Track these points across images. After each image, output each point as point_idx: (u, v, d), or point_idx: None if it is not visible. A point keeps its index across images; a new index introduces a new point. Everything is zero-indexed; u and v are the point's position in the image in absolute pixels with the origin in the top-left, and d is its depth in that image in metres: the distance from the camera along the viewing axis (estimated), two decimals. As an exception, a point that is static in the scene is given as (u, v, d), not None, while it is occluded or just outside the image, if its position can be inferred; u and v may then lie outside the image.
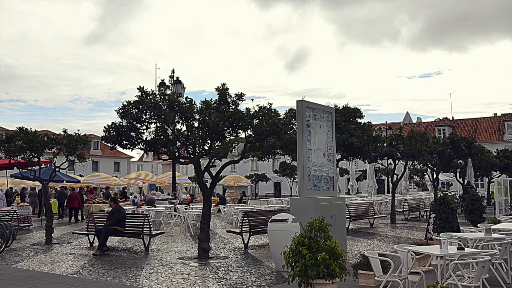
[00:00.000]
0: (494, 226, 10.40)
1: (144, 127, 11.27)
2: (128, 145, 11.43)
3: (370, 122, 20.96)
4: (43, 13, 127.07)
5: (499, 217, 15.91)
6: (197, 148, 11.46)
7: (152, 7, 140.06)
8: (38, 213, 25.45)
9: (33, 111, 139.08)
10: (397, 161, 21.61)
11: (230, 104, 11.31)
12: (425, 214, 23.33)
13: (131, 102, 10.98)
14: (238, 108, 11.28)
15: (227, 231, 15.95)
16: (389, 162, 26.16)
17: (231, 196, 37.21)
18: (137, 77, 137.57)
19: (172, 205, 22.85)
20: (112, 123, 11.27)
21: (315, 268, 6.08)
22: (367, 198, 27.89)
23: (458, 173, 31.83)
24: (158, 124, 11.11)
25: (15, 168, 17.06)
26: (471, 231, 10.37)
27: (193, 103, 11.33)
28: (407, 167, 25.23)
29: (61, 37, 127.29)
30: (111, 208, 14.80)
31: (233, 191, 42.33)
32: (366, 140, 18.55)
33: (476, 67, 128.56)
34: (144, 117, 11.08)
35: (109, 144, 11.58)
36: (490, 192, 35.09)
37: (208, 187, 11.87)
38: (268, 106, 11.26)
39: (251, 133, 11.39)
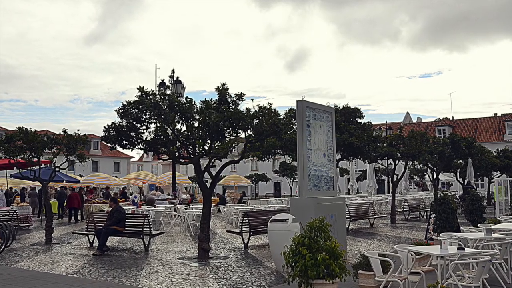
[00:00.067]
0: (494, 226, 10.40)
1: (144, 127, 11.26)
2: (128, 145, 11.43)
3: (370, 122, 20.96)
4: (43, 13, 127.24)
5: (499, 217, 15.90)
6: (197, 148, 11.45)
7: (152, 7, 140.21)
8: (38, 213, 25.44)
9: (33, 111, 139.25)
10: (397, 161, 21.60)
11: (230, 104, 11.30)
12: (425, 214, 23.33)
13: (131, 102, 10.97)
14: (238, 108, 11.27)
15: (227, 231, 15.95)
16: (389, 162, 26.17)
17: (231, 196, 37.20)
18: (137, 77, 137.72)
19: (172, 205, 22.85)
20: (112, 123, 11.27)
21: (315, 268, 6.07)
22: (367, 198, 27.88)
23: (458, 173, 31.82)
24: (158, 124, 11.11)
25: (15, 168, 17.06)
26: (471, 231, 10.36)
27: (193, 103, 11.32)
28: (407, 167, 25.23)
29: (61, 37, 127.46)
30: (111, 208, 14.79)
31: (233, 191, 42.32)
32: (366, 140, 18.54)
33: (476, 67, 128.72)
34: (144, 117, 11.08)
35: (109, 144, 11.58)
36: (490, 192, 35.09)
37: (208, 187, 11.86)
38: (268, 106, 11.25)
39: (251, 133, 11.38)
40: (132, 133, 11.25)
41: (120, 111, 11.04)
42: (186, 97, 11.64)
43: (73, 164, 16.33)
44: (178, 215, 19.34)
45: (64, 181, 27.10)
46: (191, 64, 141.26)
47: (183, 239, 15.60)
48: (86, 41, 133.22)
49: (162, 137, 11.16)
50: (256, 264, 10.74)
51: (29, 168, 15.68)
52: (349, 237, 14.27)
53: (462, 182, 30.77)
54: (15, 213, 16.67)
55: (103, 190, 32.00)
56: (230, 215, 20.50)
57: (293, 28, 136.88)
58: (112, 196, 22.37)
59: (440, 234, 9.84)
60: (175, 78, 22.63)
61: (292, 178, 56.13)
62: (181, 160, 12.09)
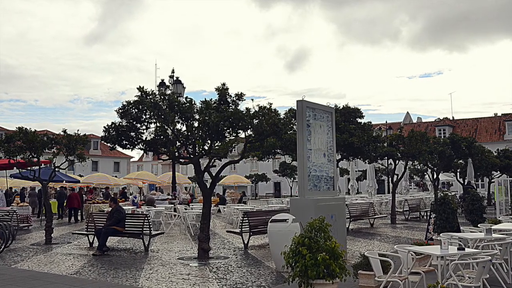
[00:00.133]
0: (494, 226, 10.38)
1: (144, 127, 11.25)
2: (128, 145, 11.42)
3: (370, 122, 20.97)
4: (43, 13, 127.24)
5: (499, 217, 15.89)
6: (197, 148, 11.44)
7: (152, 7, 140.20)
8: (37, 213, 25.43)
9: (32, 111, 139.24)
10: (397, 161, 21.59)
11: (230, 104, 11.30)
12: (425, 214, 23.32)
13: (131, 102, 10.96)
14: (238, 108, 11.26)
15: (227, 231, 15.94)
16: (389, 162, 26.18)
17: (231, 196, 37.19)
18: (137, 77, 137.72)
19: (172, 205, 22.85)
20: (112, 123, 11.26)
21: (315, 268, 6.06)
22: (367, 198, 27.87)
23: (458, 173, 31.81)
24: (158, 124, 11.10)
25: (15, 168, 17.04)
26: (471, 231, 10.35)
27: (193, 103, 11.31)
28: (407, 167, 25.22)
29: (61, 37, 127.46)
30: (110, 208, 14.79)
31: (233, 191, 42.30)
32: (366, 140, 18.53)
33: (477, 67, 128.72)
34: (144, 117, 11.07)
35: (108, 144, 11.57)
36: (491, 192, 35.08)
37: (208, 187, 11.85)
38: (268, 106, 11.24)
39: (251, 133, 11.37)
40: (132, 133, 11.24)
41: (120, 111, 11.03)
42: (186, 97, 11.64)
43: (73, 164, 16.31)
44: (178, 215, 19.33)
45: (64, 181, 27.09)
46: (191, 64, 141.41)
47: (183, 239, 15.59)
48: (86, 41, 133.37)
49: (162, 137, 11.16)
50: (256, 264, 10.73)
51: (29, 168, 15.67)
52: (349, 237, 14.26)
53: (462, 182, 30.76)
54: (15, 213, 16.66)
55: (103, 190, 31.98)
56: (230, 215, 20.49)
57: (293, 28, 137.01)
58: (112, 196, 22.36)
59: (440, 234, 9.82)
60: (175, 78, 22.63)
61: (292, 178, 56.12)
62: (181, 160, 12.08)
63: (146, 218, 13.08)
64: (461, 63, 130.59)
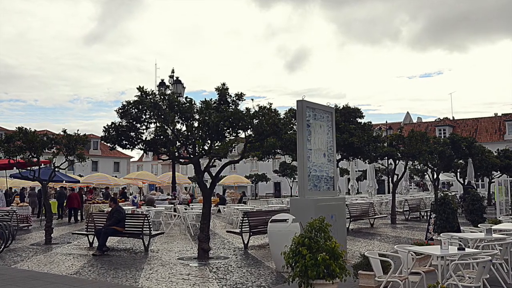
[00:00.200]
0: (494, 226, 10.37)
1: (144, 127, 11.24)
2: (128, 145, 11.41)
3: (371, 122, 20.97)
4: (43, 13, 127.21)
5: (499, 217, 15.89)
6: (197, 148, 11.43)
7: (152, 7, 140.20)
8: (37, 213, 25.42)
9: (32, 111, 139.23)
10: (397, 161, 21.58)
11: (230, 104, 11.29)
12: (425, 214, 23.31)
13: (131, 102, 10.95)
14: (238, 108, 11.25)
15: (227, 231, 15.93)
16: (389, 162, 26.17)
17: (231, 196, 37.17)
18: (137, 77, 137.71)
19: (172, 205, 22.83)
20: (112, 123, 11.25)
21: (315, 269, 6.05)
22: (367, 198, 27.86)
23: (458, 173, 31.81)
24: (158, 124, 11.09)
25: (15, 168, 17.04)
26: (471, 231, 10.34)
27: (193, 103, 11.30)
28: (407, 167, 25.21)
29: (61, 37, 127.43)
30: (110, 208, 14.78)
31: (233, 191, 42.29)
32: (367, 140, 18.53)
33: (477, 67, 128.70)
34: (144, 117, 11.06)
35: (108, 144, 11.56)
36: (491, 192, 35.06)
37: (208, 187, 11.84)
38: (268, 106, 11.23)
39: (251, 133, 11.36)
40: (132, 133, 11.23)
41: (120, 111, 11.02)
42: (186, 97, 11.62)
43: (73, 164, 16.31)
44: (178, 215, 19.32)
45: (64, 181, 27.07)
46: (191, 64, 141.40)
47: (183, 239, 15.58)
48: (85, 41, 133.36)
49: (162, 137, 11.15)
50: (256, 264, 10.72)
51: (28, 168, 15.67)
52: (349, 237, 14.25)
53: (462, 182, 30.76)
54: (14, 213, 16.65)
55: (103, 190, 31.98)
56: (230, 215, 20.48)
57: (293, 28, 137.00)
58: (112, 196, 22.35)
59: (441, 234, 9.81)
60: (175, 78, 22.63)
61: (292, 178, 56.12)
62: (181, 160, 12.07)
63: (146, 218, 13.07)
64: (461, 63, 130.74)
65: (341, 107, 19.87)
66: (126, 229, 13.18)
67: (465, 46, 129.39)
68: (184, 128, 11.33)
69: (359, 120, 20.12)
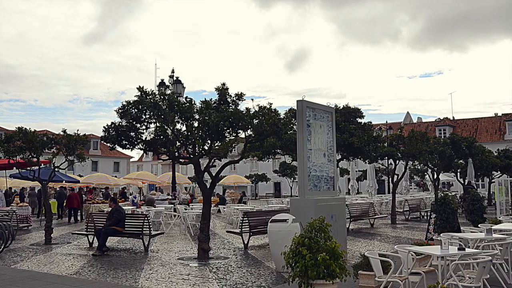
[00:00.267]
0: (495, 227, 10.37)
1: (144, 127, 11.23)
2: (128, 145, 11.40)
3: (371, 122, 20.96)
4: (43, 13, 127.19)
5: (500, 217, 15.89)
6: (197, 148, 11.42)
7: (152, 7, 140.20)
8: (37, 213, 25.41)
9: (32, 111, 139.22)
10: (397, 161, 21.58)
11: (230, 104, 11.28)
12: (425, 214, 23.30)
13: (131, 102, 10.94)
14: (238, 108, 11.25)
15: (227, 232, 15.92)
16: (389, 162, 26.15)
17: (231, 196, 37.17)
18: (137, 77, 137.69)
19: (172, 205, 22.82)
20: (112, 123, 11.24)
21: (315, 269, 6.05)
22: (367, 198, 27.86)
23: (458, 173, 31.81)
24: (157, 124, 11.08)
25: (14, 168, 17.03)
26: (471, 232, 10.33)
27: (193, 103, 11.29)
28: (407, 167, 25.21)
29: (61, 37, 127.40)
30: (110, 208, 14.78)
31: (233, 191, 42.29)
32: (367, 140, 18.52)
33: (477, 66, 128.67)
34: (144, 117, 11.05)
35: (108, 144, 11.55)
36: (491, 192, 35.06)
37: (208, 187, 11.83)
38: (268, 106, 11.22)
39: (251, 133, 11.35)
40: (131, 133, 11.22)
41: (120, 111, 11.01)
42: (186, 97, 11.61)
43: (73, 164, 16.31)
44: (178, 215, 19.31)
45: (64, 181, 27.06)
46: (191, 64, 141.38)
47: (183, 240, 15.57)
48: (85, 41, 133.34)
49: (162, 137, 11.14)
50: (256, 264, 10.71)
51: (28, 168, 15.66)
52: (349, 237, 14.24)
53: (462, 182, 30.76)
54: (14, 213, 16.64)
55: (103, 190, 31.98)
56: (230, 215, 20.47)
57: (293, 28, 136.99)
58: (112, 196, 22.34)
59: (441, 234, 9.81)
60: (175, 78, 22.61)
61: (292, 178, 56.11)
62: (181, 160, 12.07)
63: (146, 218, 13.06)
64: (462, 63, 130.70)
65: (341, 107, 19.86)
66: (126, 229, 13.18)
67: (465, 46, 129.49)
68: (184, 128, 11.33)
69: (359, 120, 20.12)
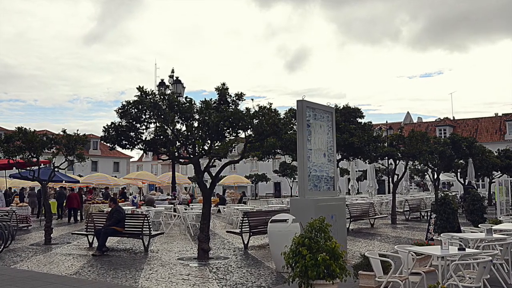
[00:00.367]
0: (495, 227, 10.36)
1: (144, 127, 11.23)
2: (128, 145, 11.39)
3: (371, 122, 20.95)
4: (43, 13, 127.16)
5: (500, 217, 15.88)
6: (197, 148, 11.41)
7: (151, 6, 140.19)
8: (37, 213, 25.40)
9: (32, 111, 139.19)
10: (397, 161, 21.57)
11: (230, 104, 11.27)
12: (426, 214, 23.28)
13: (131, 102, 10.94)
14: (238, 108, 11.24)
15: (227, 232, 15.91)
16: (389, 162, 26.15)
17: (231, 196, 37.16)
18: (137, 77, 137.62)
19: (172, 205, 22.81)
20: (112, 123, 11.24)
21: (316, 269, 6.04)
22: (367, 198, 27.84)
23: (459, 173, 31.80)
24: (157, 124, 11.07)
25: (14, 168, 17.03)
26: (472, 232, 10.32)
27: (192, 103, 11.28)
28: (407, 167, 25.21)
29: (61, 37, 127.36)
30: (110, 209, 14.76)
31: (233, 191, 42.28)
32: (367, 140, 18.51)
33: (477, 66, 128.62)
34: (144, 117, 11.04)
35: (108, 144, 11.54)
36: (491, 192, 35.05)
37: (208, 187, 11.82)
38: (268, 106, 11.22)
39: (251, 133, 11.34)
40: (131, 133, 11.21)
41: (120, 111, 11.00)
42: (186, 97, 11.60)
43: (73, 164, 16.30)
44: (178, 216, 19.30)
45: (64, 181, 27.06)
46: (191, 64, 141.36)
47: (182, 240, 15.56)
48: (85, 40, 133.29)
49: (161, 137, 11.13)
50: (256, 264, 10.70)
51: (28, 168, 15.65)
52: (349, 238, 14.23)
53: (462, 182, 30.75)
54: (14, 214, 16.62)
55: (103, 190, 31.97)
56: (230, 215, 20.46)
57: (293, 28, 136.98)
58: (112, 196, 22.33)
59: (441, 235, 9.80)
60: (174, 78, 22.60)
61: (292, 178, 56.10)
62: (181, 160, 12.06)
63: (145, 218, 13.05)
64: (462, 63, 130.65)
65: (341, 107, 19.85)
66: (126, 229, 13.17)
67: (466, 46, 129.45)
68: (184, 128, 11.32)
69: (359, 120, 20.11)
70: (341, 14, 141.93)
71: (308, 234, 6.43)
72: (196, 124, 11.16)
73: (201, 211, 12.21)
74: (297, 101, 10.84)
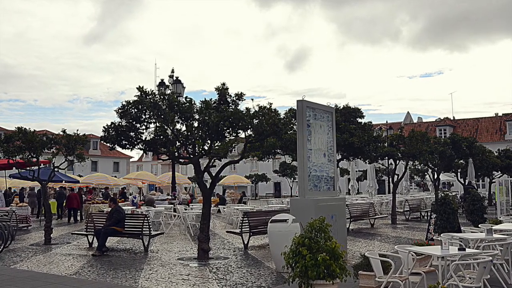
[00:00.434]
0: (495, 227, 10.34)
1: (144, 127, 11.22)
2: (128, 145, 11.38)
3: (371, 122, 20.94)
4: (43, 13, 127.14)
5: (500, 217, 15.86)
6: (197, 148, 11.41)
7: (151, 6, 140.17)
8: (37, 213, 25.40)
9: (32, 111, 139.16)
10: (397, 161, 21.56)
11: (230, 104, 11.26)
12: (426, 214, 23.27)
13: (131, 102, 10.93)
14: (238, 108, 11.23)
15: (227, 232, 15.91)
16: (389, 162, 26.14)
17: (231, 196, 37.15)
18: (137, 77, 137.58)
19: (172, 205, 22.80)
20: (112, 123, 11.23)
21: (316, 269, 6.03)
22: (367, 199, 27.84)
23: (459, 173, 31.79)
24: (157, 124, 11.06)
25: (14, 168, 17.02)
26: (472, 232, 10.32)
27: (192, 103, 11.28)
28: (408, 167, 25.20)
29: (61, 37, 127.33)
30: (110, 209, 14.75)
31: (233, 191, 42.28)
32: (367, 140, 18.51)
33: (477, 66, 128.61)
34: (144, 117, 11.03)
35: (108, 144, 11.54)
36: (491, 193, 35.04)
37: (208, 187, 11.82)
38: (268, 106, 11.21)
39: (251, 133, 11.34)
40: (131, 133, 11.21)
41: (120, 111, 10.99)
42: (186, 97, 11.60)
43: (72, 164, 16.31)
44: (178, 216, 19.29)
45: (63, 181, 27.06)
46: (191, 64, 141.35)
47: (182, 240, 15.55)
48: (85, 40, 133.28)
49: (161, 137, 11.12)
50: (256, 264, 10.70)
51: (28, 168, 15.65)
52: (349, 238, 14.22)
53: (463, 182, 30.73)
54: (14, 214, 16.62)
55: (103, 190, 31.97)
56: (230, 215, 20.46)
57: (293, 27, 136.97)
58: (112, 196, 22.33)
59: (441, 235, 9.80)
60: (174, 78, 22.59)
61: (292, 178, 56.09)
62: (180, 160, 12.05)
63: (145, 219, 13.05)
64: (462, 63, 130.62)
65: (341, 107, 19.85)
66: (125, 229, 13.16)
67: (466, 46, 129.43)
68: (184, 128, 11.32)
69: (359, 120, 20.10)
70: (341, 14, 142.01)
71: (308, 234, 6.43)
72: (196, 124, 11.16)
73: (201, 211, 12.21)
74: (297, 101, 10.83)
